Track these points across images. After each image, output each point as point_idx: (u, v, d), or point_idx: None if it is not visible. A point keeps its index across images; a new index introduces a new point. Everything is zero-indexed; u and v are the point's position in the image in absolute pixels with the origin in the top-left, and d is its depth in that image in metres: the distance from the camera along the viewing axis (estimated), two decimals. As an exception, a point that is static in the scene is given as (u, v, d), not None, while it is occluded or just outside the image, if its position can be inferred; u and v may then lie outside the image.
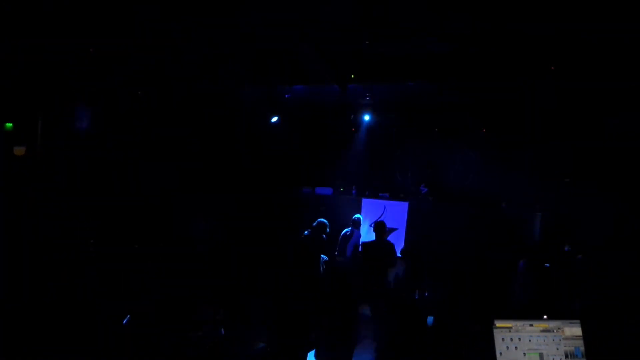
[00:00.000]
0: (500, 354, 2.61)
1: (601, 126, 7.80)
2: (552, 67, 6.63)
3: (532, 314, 2.71)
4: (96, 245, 7.73)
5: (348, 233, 8.21)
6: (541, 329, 2.66)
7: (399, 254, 7.37)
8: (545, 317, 2.70)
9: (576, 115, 7.89)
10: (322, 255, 5.93)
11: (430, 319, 5.73)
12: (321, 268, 5.82)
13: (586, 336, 2.65)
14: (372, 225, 8.15)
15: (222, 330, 5.47)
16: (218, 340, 5.29)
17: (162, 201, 9.03)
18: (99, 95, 8.40)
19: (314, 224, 7.15)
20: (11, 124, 7.65)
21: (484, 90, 7.91)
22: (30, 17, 6.26)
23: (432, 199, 9.88)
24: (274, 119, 9.53)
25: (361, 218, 8.64)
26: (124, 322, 5.13)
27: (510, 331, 2.64)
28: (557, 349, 2.63)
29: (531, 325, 2.67)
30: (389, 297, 6.36)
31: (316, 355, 4.99)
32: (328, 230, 7.20)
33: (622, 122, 7.55)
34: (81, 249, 7.65)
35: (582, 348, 2.64)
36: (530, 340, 2.64)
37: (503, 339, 2.63)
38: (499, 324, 2.65)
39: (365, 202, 9.96)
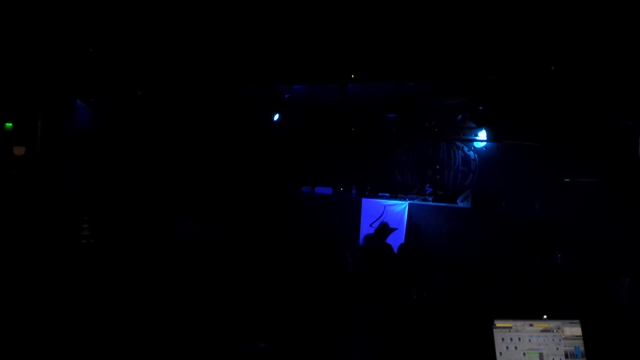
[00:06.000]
0: (500, 354, 2.60)
1: (602, 125, 7.79)
2: (552, 68, 6.61)
3: (532, 314, 2.70)
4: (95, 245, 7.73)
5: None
6: (541, 328, 2.66)
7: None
8: (545, 317, 2.69)
9: (576, 114, 7.88)
10: None
11: None
12: None
13: (586, 336, 2.65)
14: (374, 226, 8.08)
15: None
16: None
17: (161, 201, 9.02)
18: (99, 95, 8.39)
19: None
20: (11, 124, 7.66)
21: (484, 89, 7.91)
22: (30, 16, 6.26)
23: (432, 198, 9.89)
24: (276, 117, 9.45)
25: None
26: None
27: (510, 331, 2.64)
28: (557, 348, 2.63)
29: (531, 325, 2.67)
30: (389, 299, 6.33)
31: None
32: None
33: (622, 121, 7.54)
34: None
35: (582, 348, 2.64)
36: (530, 340, 2.64)
37: (503, 339, 2.63)
38: (498, 323, 2.65)
39: (365, 202, 9.95)
